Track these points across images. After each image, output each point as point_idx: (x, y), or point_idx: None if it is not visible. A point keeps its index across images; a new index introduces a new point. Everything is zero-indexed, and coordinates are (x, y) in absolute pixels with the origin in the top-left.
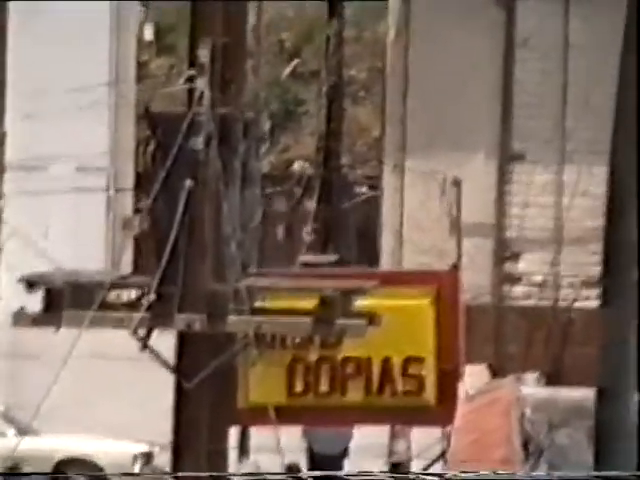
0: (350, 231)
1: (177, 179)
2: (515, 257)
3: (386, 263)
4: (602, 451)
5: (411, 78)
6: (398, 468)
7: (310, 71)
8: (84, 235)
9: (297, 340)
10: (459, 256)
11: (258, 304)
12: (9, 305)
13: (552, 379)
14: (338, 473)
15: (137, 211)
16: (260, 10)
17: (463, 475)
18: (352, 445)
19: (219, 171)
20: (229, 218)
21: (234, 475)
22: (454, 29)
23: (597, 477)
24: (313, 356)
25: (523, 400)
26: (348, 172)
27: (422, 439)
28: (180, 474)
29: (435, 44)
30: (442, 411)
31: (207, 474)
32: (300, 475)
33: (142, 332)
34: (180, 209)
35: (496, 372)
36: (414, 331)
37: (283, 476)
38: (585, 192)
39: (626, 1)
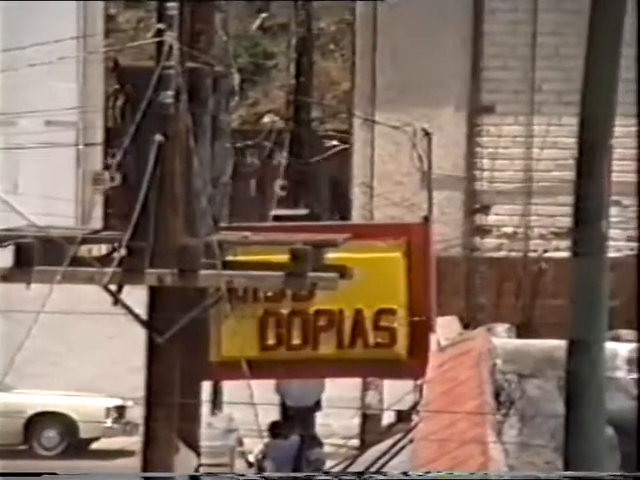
0: (321, 185)
1: (147, 133)
2: (485, 209)
3: (357, 216)
4: (573, 401)
5: (380, 30)
6: (370, 420)
7: (279, 24)
8: (54, 190)
9: (269, 294)
10: (430, 208)
11: (229, 258)
12: None
13: (523, 330)
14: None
15: (107, 166)
16: None
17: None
18: (324, 398)
19: (189, 125)
20: (200, 172)
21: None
22: None
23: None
24: (285, 309)
25: (494, 351)
26: (318, 126)
27: (394, 391)
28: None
29: None
30: (414, 363)
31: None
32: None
33: (114, 287)
34: (150, 164)
35: (467, 324)
36: (385, 284)
37: None
38: (555, 143)
39: None
